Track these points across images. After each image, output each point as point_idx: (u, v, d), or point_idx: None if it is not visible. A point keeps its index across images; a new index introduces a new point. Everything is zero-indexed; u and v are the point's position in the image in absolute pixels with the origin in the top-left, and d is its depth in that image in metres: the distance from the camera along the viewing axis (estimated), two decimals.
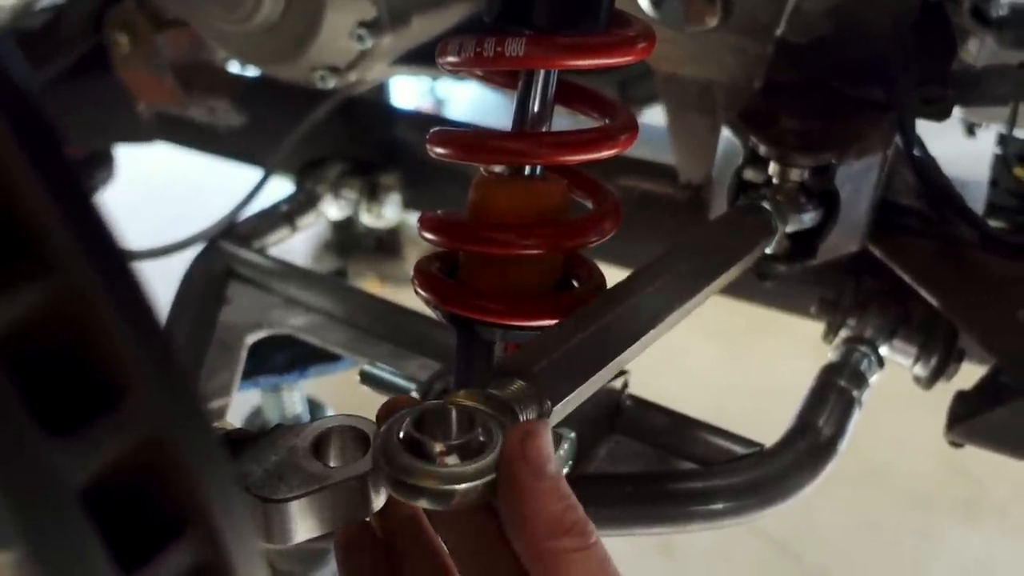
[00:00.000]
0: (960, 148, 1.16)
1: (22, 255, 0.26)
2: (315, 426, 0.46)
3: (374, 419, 0.47)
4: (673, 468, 0.88)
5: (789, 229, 0.81)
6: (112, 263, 0.26)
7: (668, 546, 1.88)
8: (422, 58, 1.16)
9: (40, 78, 1.27)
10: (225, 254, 1.21)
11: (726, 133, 0.88)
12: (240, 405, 1.53)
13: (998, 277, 0.90)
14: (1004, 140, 1.04)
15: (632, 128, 0.62)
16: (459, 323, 0.61)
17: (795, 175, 0.83)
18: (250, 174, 1.41)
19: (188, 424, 0.27)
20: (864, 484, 1.95)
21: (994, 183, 1.01)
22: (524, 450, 0.41)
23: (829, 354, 0.96)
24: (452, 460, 0.41)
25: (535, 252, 0.61)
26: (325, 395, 1.79)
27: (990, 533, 1.95)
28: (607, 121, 0.63)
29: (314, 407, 1.70)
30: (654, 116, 1.26)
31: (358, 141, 1.44)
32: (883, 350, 0.96)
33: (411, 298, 0.69)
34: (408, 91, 3.01)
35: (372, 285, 2.43)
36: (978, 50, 0.92)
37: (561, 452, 0.78)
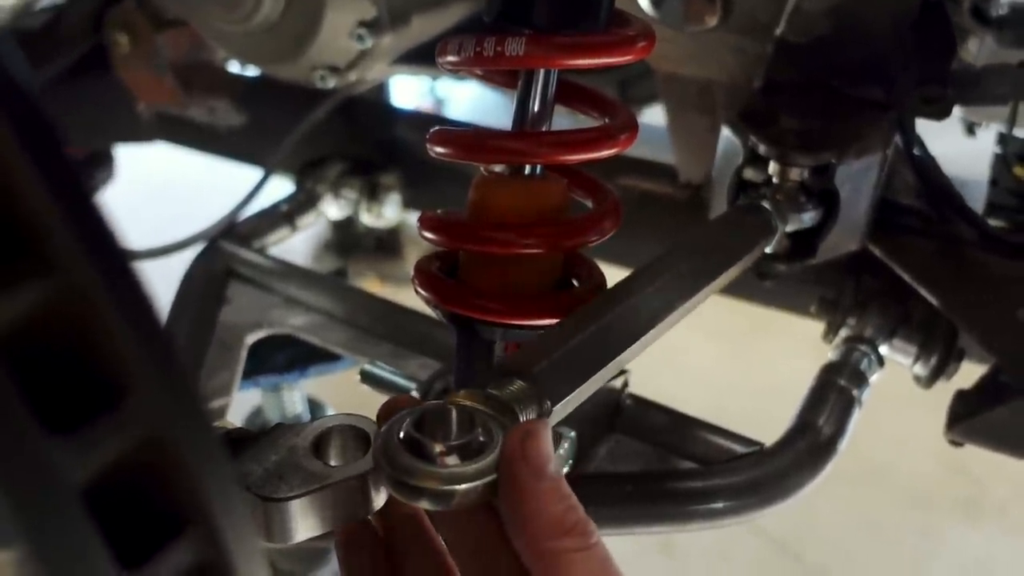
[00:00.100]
0: (960, 147, 1.16)
1: (23, 255, 0.26)
2: (315, 425, 0.46)
3: (374, 419, 0.47)
4: (673, 467, 0.88)
5: (789, 228, 0.81)
6: (113, 263, 0.26)
7: (668, 545, 1.88)
8: (422, 58, 1.16)
9: (40, 78, 1.27)
10: (225, 254, 1.21)
11: (726, 133, 0.88)
12: (240, 405, 1.52)
13: (998, 276, 0.90)
14: (1004, 139, 1.04)
15: (632, 127, 0.62)
16: (459, 322, 0.61)
17: (795, 174, 0.83)
18: (250, 174, 1.40)
19: (189, 424, 0.27)
20: (864, 483, 1.95)
21: (994, 182, 1.01)
22: (524, 450, 0.41)
23: (829, 353, 0.96)
24: (452, 460, 0.41)
25: (535, 251, 0.61)
26: (325, 395, 1.79)
27: (990, 533, 1.95)
28: (607, 120, 0.63)
29: (314, 407, 1.70)
30: (654, 116, 1.26)
31: (358, 141, 1.44)
32: (883, 349, 0.96)
33: (411, 298, 0.69)
34: (408, 91, 3.01)
35: (372, 285, 2.43)
36: (978, 49, 0.92)
37: (561, 451, 0.78)
